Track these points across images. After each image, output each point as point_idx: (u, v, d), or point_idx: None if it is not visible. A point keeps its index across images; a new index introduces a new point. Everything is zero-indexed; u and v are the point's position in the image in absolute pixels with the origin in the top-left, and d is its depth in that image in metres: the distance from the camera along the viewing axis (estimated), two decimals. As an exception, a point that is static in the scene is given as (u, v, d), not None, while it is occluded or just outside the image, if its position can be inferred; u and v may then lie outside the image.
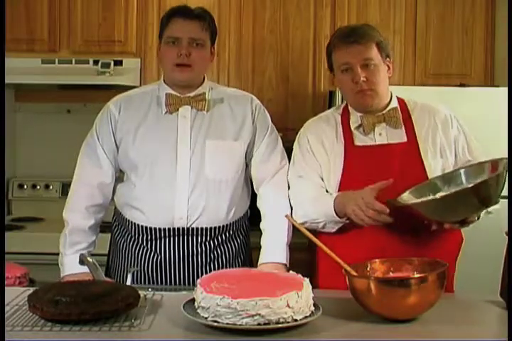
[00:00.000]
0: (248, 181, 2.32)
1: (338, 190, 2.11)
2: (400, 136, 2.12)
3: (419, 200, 1.95)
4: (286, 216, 1.90)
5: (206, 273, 2.11)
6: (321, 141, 2.19)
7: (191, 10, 2.18)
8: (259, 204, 2.27)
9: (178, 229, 2.15)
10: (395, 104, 2.16)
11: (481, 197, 1.83)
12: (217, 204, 2.18)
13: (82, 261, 1.92)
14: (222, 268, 2.19)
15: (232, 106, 2.24)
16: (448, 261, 1.69)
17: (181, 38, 2.13)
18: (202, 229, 2.17)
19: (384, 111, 2.13)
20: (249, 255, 2.34)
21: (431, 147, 2.10)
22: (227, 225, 2.22)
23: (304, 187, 2.17)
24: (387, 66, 2.13)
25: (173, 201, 2.14)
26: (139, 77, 3.42)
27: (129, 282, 1.99)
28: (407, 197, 2.00)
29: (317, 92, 3.49)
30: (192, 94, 2.20)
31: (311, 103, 3.49)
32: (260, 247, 2.20)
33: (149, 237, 2.18)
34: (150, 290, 1.81)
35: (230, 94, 2.28)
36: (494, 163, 1.96)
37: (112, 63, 3.37)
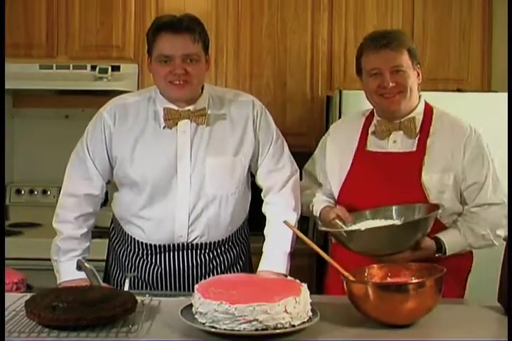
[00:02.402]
0: (248, 188, 2.26)
1: (340, 192, 2.15)
2: (411, 146, 2.10)
3: (333, 229, 2.02)
4: (285, 222, 1.89)
5: None
6: (338, 143, 2.22)
7: (179, 22, 2.03)
8: (265, 209, 2.23)
9: (178, 244, 2.14)
10: (417, 112, 2.12)
11: (395, 237, 1.88)
12: (218, 221, 2.14)
13: (80, 267, 1.92)
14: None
15: (232, 115, 2.15)
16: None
17: (174, 55, 2.01)
18: (202, 244, 2.15)
19: (401, 120, 2.10)
20: (248, 260, 2.32)
21: (435, 160, 2.06)
22: (226, 238, 2.20)
23: (307, 190, 2.27)
24: (417, 72, 2.11)
25: (173, 219, 2.10)
26: (136, 82, 3.43)
27: (126, 287, 1.99)
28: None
29: (315, 97, 3.50)
30: (191, 108, 2.10)
31: (309, 107, 3.50)
32: (261, 252, 2.18)
33: (149, 252, 2.17)
34: (148, 295, 1.80)
35: (230, 100, 2.18)
36: (429, 207, 1.98)
37: (110, 69, 3.38)
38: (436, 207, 1.96)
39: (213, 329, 1.45)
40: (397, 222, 1.97)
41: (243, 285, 1.54)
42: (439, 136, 2.10)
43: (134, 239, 2.19)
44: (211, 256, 2.18)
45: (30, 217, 3.65)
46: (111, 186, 2.24)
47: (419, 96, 2.16)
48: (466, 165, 2.07)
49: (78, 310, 1.49)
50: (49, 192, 3.73)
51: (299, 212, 2.19)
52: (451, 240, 2.02)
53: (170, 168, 2.09)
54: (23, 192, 3.75)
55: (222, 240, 2.19)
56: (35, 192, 3.75)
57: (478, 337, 1.53)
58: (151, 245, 2.15)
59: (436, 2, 3.50)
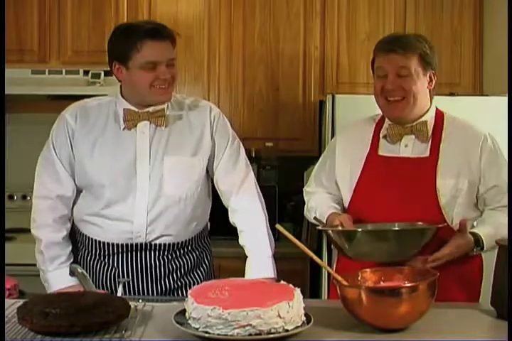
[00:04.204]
0: (209, 195, 2.29)
1: (352, 197, 2.14)
2: (424, 150, 2.08)
3: (329, 228, 2.01)
4: (277, 227, 1.89)
5: (165, 285, 2.16)
6: (348, 147, 2.20)
7: (161, 31, 2.08)
8: (233, 219, 2.24)
9: (137, 244, 2.14)
10: (428, 117, 2.11)
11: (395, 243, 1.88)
12: (176, 221, 2.15)
13: (73, 273, 1.92)
14: (182, 279, 2.20)
15: (190, 119, 2.19)
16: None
17: (160, 61, 2.06)
18: (160, 244, 2.16)
19: (413, 124, 2.09)
20: (212, 265, 2.34)
21: (450, 165, 2.05)
22: (185, 241, 2.21)
23: (315, 194, 2.27)
24: (430, 78, 2.08)
25: (131, 218, 2.11)
26: (129, 87, 3.42)
27: (119, 293, 1.98)
28: None
29: (307, 102, 3.51)
30: (151, 110, 2.14)
31: (302, 113, 3.51)
32: (230, 256, 2.20)
33: (106, 252, 2.17)
34: (140, 301, 1.80)
35: (189, 105, 2.23)
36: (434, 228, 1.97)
37: (102, 73, 3.37)
38: (439, 228, 1.94)
39: (207, 335, 1.45)
40: (396, 228, 1.97)
41: (236, 290, 1.54)
42: (452, 141, 2.09)
43: (92, 239, 2.18)
44: (170, 258, 2.18)
45: (23, 223, 3.59)
46: None
47: (431, 102, 2.14)
48: (484, 168, 2.06)
49: (71, 316, 1.48)
50: (41, 198, 3.70)
51: (264, 204, 2.23)
52: (486, 233, 1.99)
53: (129, 168, 2.12)
54: (15, 197, 3.74)
55: (182, 242, 2.19)
56: (28, 198, 3.73)
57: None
58: (108, 244, 2.15)
59: (427, 7, 3.53)
